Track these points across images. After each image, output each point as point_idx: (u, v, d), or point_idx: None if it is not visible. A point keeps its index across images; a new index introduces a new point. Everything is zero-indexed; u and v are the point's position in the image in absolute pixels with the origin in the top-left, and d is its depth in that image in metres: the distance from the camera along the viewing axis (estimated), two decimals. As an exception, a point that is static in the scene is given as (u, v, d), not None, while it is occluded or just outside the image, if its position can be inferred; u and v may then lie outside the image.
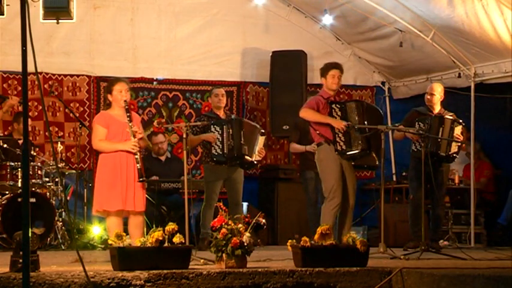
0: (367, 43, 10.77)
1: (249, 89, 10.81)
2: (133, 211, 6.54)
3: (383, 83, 11.39)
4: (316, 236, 5.53)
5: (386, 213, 8.24)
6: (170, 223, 5.25)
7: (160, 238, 5.12)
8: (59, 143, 8.91)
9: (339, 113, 7.21)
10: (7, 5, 4.56)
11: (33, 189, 8.31)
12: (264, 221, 6.06)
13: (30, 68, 4.16)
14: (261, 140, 8.43)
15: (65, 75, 9.92)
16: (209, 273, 5.00)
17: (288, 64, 10.39)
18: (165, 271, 4.92)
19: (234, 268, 5.20)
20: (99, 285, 4.71)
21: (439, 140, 8.07)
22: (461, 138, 8.24)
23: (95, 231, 8.72)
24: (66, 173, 9.20)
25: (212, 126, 8.22)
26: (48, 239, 8.36)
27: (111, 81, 6.84)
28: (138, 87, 10.14)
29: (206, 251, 6.32)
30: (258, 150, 8.37)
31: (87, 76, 10.00)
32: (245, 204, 9.25)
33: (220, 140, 8.16)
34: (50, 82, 9.72)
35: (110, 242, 5.28)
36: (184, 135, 6.70)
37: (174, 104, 10.46)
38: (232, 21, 10.67)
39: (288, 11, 10.83)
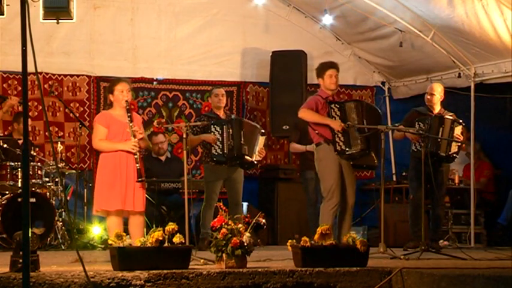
0: (367, 43, 10.77)
1: (249, 89, 10.82)
2: (133, 211, 6.54)
3: (383, 83, 11.39)
4: (316, 236, 5.52)
5: (386, 213, 8.24)
6: (170, 223, 5.25)
7: (160, 238, 5.12)
8: (59, 143, 8.91)
9: (338, 113, 7.21)
10: (7, 5, 4.56)
11: (33, 189, 8.31)
12: (264, 221, 6.07)
13: (30, 68, 4.16)
14: (261, 140, 8.42)
15: (65, 75, 9.92)
16: (209, 273, 5.00)
17: (288, 64, 10.39)
18: (165, 271, 4.92)
19: (234, 268, 5.19)
20: (99, 285, 4.71)
21: (439, 140, 8.07)
22: (461, 138, 8.24)
23: (95, 231, 8.73)
24: (66, 173, 9.20)
25: (212, 126, 8.22)
26: (48, 239, 8.36)
27: (112, 81, 6.85)
28: (138, 87, 10.14)
29: (206, 251, 6.31)
30: (258, 150, 8.36)
31: (87, 76, 10.00)
32: (245, 204, 9.25)
33: (220, 140, 8.16)
34: (50, 82, 9.72)
35: (110, 242, 5.28)
36: (184, 135, 6.69)
37: (174, 104, 10.46)
38: (232, 21, 10.67)
39: (288, 11, 10.83)
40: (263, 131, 8.61)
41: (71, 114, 9.42)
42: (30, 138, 9.26)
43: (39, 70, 5.32)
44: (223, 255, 5.31)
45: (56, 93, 9.46)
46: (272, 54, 10.49)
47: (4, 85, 9.59)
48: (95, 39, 10.06)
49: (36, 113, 9.69)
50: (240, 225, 5.39)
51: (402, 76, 11.03)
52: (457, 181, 10.15)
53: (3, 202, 8.14)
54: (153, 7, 10.34)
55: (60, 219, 8.61)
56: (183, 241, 5.26)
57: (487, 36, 8.74)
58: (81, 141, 9.25)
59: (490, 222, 9.96)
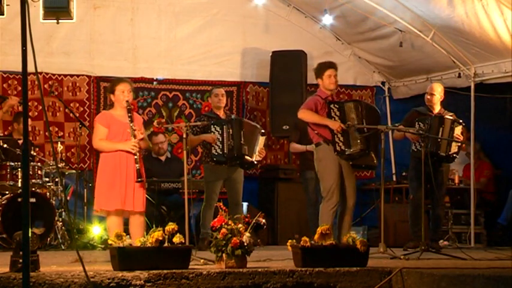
0: (367, 43, 10.77)
1: (249, 89, 10.82)
2: (133, 211, 6.54)
3: (383, 83, 11.39)
4: (316, 236, 5.52)
5: (387, 213, 8.24)
6: (170, 223, 5.25)
7: (160, 238, 5.12)
8: (59, 143, 8.91)
9: (337, 113, 7.20)
10: (7, 5, 4.56)
11: (33, 189, 8.31)
12: (264, 221, 6.07)
13: (30, 68, 4.16)
14: (261, 140, 8.42)
15: (65, 75, 9.92)
16: (209, 273, 5.00)
17: (288, 64, 10.39)
18: (165, 271, 4.92)
19: (234, 268, 5.19)
20: (99, 285, 4.71)
21: (439, 140, 8.07)
22: (461, 138, 8.24)
23: (95, 231, 8.72)
24: (66, 173, 9.20)
25: (212, 126, 8.21)
26: (48, 239, 8.36)
27: (114, 82, 6.84)
28: (138, 87, 10.11)
29: (206, 251, 6.31)
30: (258, 150, 8.36)
31: (87, 76, 10.01)
32: (245, 204, 9.25)
33: (220, 140, 8.16)
34: (50, 82, 9.72)
35: (110, 242, 5.28)
36: (184, 135, 6.69)
37: (174, 104, 10.46)
38: (232, 21, 10.67)
39: (288, 11, 10.83)
40: (263, 131, 8.61)
41: (71, 114, 9.42)
42: (30, 138, 9.26)
43: (39, 70, 5.32)
44: (223, 255, 5.31)
45: (56, 93, 9.46)
46: (272, 54, 10.49)
47: (4, 85, 9.59)
48: (95, 39, 10.06)
49: (36, 113, 9.69)
50: (240, 225, 5.39)
51: (402, 76, 11.03)
52: (457, 181, 10.15)
53: (3, 202, 8.14)
54: (153, 7, 10.34)
55: (60, 219, 8.61)
56: (183, 241, 5.26)
57: (487, 36, 8.74)
58: (81, 141, 9.26)
59: (490, 222, 9.96)
